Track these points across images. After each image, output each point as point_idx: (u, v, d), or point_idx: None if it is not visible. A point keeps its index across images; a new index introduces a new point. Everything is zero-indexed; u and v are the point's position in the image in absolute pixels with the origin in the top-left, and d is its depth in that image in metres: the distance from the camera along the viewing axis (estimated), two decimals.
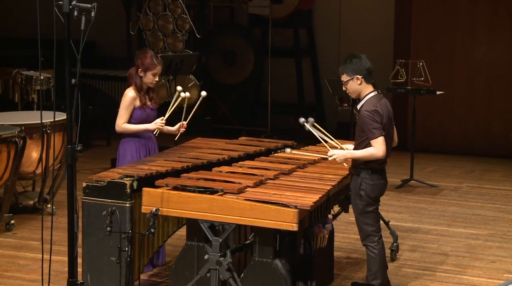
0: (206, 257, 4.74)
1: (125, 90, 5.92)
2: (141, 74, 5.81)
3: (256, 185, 4.90)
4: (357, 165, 5.14)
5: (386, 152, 5.00)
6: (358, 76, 5.07)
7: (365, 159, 5.04)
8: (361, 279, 5.69)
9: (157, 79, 5.87)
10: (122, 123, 5.81)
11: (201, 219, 4.71)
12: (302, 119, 5.07)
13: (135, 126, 5.83)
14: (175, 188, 4.81)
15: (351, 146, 5.35)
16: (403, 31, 10.91)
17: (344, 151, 5.10)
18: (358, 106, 5.15)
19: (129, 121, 5.83)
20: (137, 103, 5.82)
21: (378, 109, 5.03)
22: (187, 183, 4.87)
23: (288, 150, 5.39)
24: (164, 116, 5.84)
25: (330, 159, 5.07)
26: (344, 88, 5.20)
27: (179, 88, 5.89)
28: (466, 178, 9.36)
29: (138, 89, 5.82)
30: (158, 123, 5.82)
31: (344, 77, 5.12)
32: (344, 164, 5.13)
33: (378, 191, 5.19)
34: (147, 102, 5.86)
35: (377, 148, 4.98)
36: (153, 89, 5.96)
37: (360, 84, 5.09)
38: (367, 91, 5.11)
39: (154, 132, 5.84)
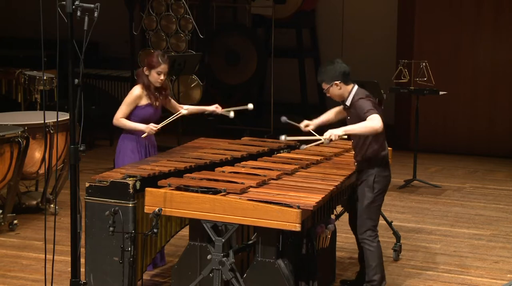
0: (209, 257, 4.74)
1: (128, 90, 5.95)
2: (146, 72, 5.84)
3: (259, 185, 4.90)
4: (370, 158, 5.16)
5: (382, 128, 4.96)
6: (336, 82, 5.15)
7: (365, 132, 4.99)
8: (349, 277, 5.72)
9: (162, 78, 5.86)
10: (120, 117, 5.82)
11: (204, 219, 4.71)
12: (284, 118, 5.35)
13: (130, 123, 5.82)
14: (178, 188, 4.81)
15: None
16: (406, 31, 10.91)
17: (339, 128, 5.00)
18: (348, 103, 5.18)
19: (130, 118, 5.84)
20: (141, 102, 5.83)
21: (367, 96, 5.13)
22: (190, 183, 4.87)
23: (282, 137, 5.22)
24: (158, 125, 5.81)
25: (327, 139, 4.94)
26: (328, 95, 5.26)
27: (232, 114, 5.99)
28: (469, 178, 9.35)
29: (146, 88, 5.84)
30: (150, 128, 5.77)
31: (324, 85, 5.22)
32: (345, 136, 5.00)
33: (387, 183, 5.27)
34: (156, 101, 5.87)
35: (376, 121, 4.94)
36: (165, 89, 5.96)
37: (340, 89, 5.17)
38: (350, 88, 5.19)
39: (143, 135, 5.79)
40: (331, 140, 4.99)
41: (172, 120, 5.94)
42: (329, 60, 5.24)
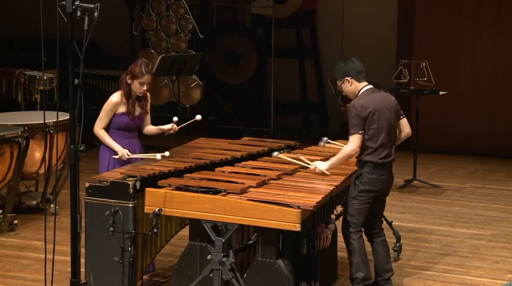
0: (209, 257, 4.75)
1: None
2: (129, 81, 5.61)
3: (259, 185, 4.91)
4: (360, 158, 5.23)
5: (359, 147, 5.14)
6: (347, 78, 5.24)
7: (342, 161, 5.26)
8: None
9: (145, 88, 5.63)
10: (100, 128, 5.67)
11: (204, 219, 4.71)
12: (275, 153, 5.57)
13: (108, 140, 5.63)
14: (178, 188, 4.81)
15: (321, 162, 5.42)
16: (406, 31, 10.91)
17: (324, 164, 5.27)
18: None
19: (109, 126, 5.69)
20: (120, 109, 5.65)
21: (362, 103, 5.14)
22: (190, 183, 4.87)
23: (275, 153, 5.58)
24: (132, 155, 5.63)
25: (313, 169, 5.31)
26: (344, 93, 5.40)
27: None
28: (469, 178, 9.35)
29: (126, 96, 5.64)
30: (123, 153, 5.58)
31: (338, 83, 5.34)
32: (327, 172, 5.27)
33: (376, 184, 5.22)
34: (135, 111, 5.67)
35: (350, 144, 5.14)
36: (146, 98, 5.74)
37: (351, 85, 5.26)
38: (360, 87, 5.25)
39: (114, 156, 5.62)
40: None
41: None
42: (343, 59, 5.35)
